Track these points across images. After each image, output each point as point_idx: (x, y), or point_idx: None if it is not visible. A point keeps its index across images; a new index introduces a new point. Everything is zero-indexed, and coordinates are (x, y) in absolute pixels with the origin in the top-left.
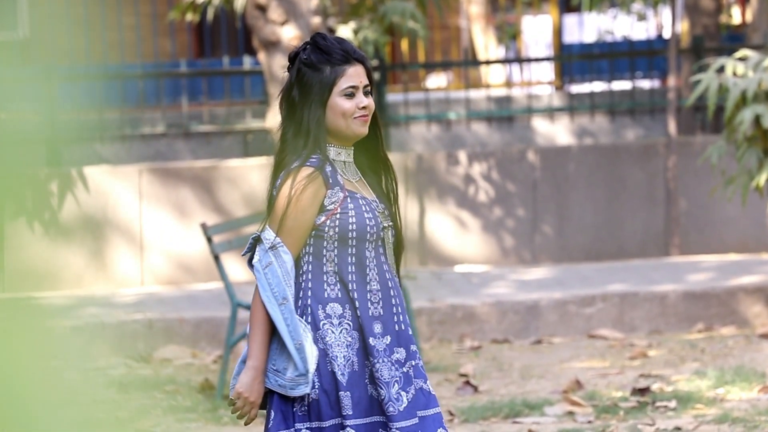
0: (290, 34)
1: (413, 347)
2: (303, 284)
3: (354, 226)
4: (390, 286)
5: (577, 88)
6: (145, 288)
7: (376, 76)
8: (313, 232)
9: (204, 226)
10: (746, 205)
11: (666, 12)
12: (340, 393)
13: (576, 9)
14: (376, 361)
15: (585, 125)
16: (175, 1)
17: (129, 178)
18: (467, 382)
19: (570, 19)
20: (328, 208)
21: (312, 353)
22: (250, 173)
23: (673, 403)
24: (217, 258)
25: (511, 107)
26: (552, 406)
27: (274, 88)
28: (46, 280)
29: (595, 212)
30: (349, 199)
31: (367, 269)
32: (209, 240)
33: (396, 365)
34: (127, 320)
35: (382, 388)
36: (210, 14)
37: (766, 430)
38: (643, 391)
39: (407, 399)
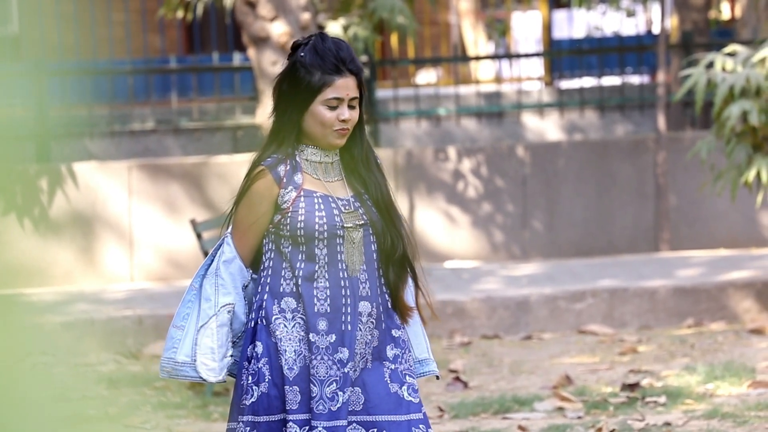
0: (279, 30)
1: (395, 351)
2: (263, 279)
3: (302, 224)
4: (342, 285)
5: (566, 84)
6: (134, 284)
7: (366, 72)
8: (272, 230)
9: (194, 223)
10: (736, 200)
11: (655, 8)
12: (286, 387)
13: (565, 5)
14: (313, 357)
15: (574, 121)
16: None
17: (118, 174)
18: (457, 378)
19: (559, 15)
20: (282, 207)
21: (198, 343)
22: (240, 169)
23: (662, 399)
24: (206, 254)
25: (501, 103)
26: (542, 401)
27: (264, 84)
28: (35, 276)
29: (584, 208)
30: (302, 198)
31: (316, 266)
32: (199, 236)
33: (337, 365)
34: (117, 316)
35: (315, 385)
36: (199, 10)
37: (756, 426)
38: (632, 386)
39: (343, 399)
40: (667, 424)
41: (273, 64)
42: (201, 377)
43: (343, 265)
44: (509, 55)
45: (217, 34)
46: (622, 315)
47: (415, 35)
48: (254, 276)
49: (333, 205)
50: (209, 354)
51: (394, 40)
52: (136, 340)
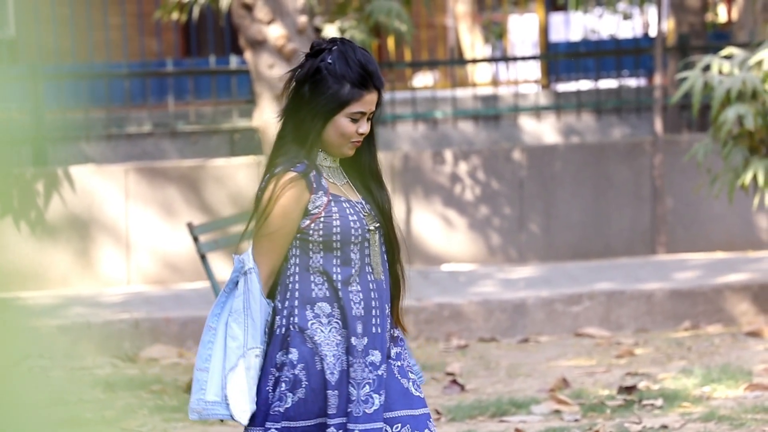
0: (276, 33)
1: (396, 349)
2: (290, 286)
3: (338, 229)
4: (371, 288)
5: (563, 87)
6: (131, 287)
7: None
8: (299, 236)
9: (190, 226)
10: (733, 202)
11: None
12: (328, 392)
13: (562, 8)
14: (354, 360)
15: (571, 124)
16: (161, 0)
17: (115, 178)
18: (454, 381)
19: (556, 18)
20: (312, 212)
21: (228, 385)
22: (237, 172)
23: (659, 402)
24: (203, 257)
25: (498, 106)
26: (539, 404)
27: (261, 87)
28: (32, 280)
29: (581, 211)
30: (333, 202)
31: (353, 270)
32: (196, 239)
33: (370, 367)
34: (114, 320)
35: (353, 388)
36: (196, 13)
37: (753, 428)
38: (629, 389)
39: (379, 402)
40: (664, 427)
41: (270, 67)
42: (233, 417)
43: (370, 268)
44: (506, 58)
45: (214, 37)
46: (618, 318)
47: (411, 38)
48: (273, 305)
49: (358, 208)
50: (241, 396)
51: (390, 43)
52: (133, 343)
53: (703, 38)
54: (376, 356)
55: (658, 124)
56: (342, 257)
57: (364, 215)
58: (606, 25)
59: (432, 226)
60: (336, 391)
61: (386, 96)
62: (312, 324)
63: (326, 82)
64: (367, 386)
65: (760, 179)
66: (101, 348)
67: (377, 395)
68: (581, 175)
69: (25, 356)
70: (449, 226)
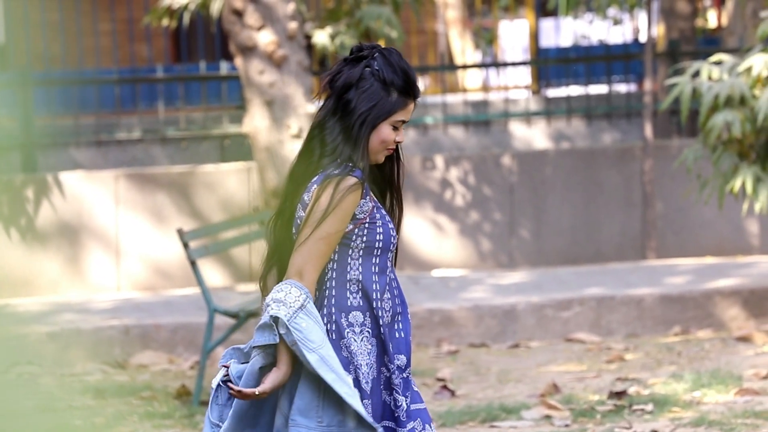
0: (267, 39)
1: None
2: (327, 291)
3: (381, 236)
4: (395, 294)
5: (553, 92)
6: (121, 294)
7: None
8: (340, 240)
9: (180, 232)
10: (722, 208)
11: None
12: (364, 401)
13: (552, 13)
14: (390, 365)
15: (562, 129)
16: (151, 6)
17: (105, 184)
18: (444, 387)
19: (546, 24)
20: (357, 217)
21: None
22: (227, 178)
23: (649, 407)
24: (193, 263)
25: (488, 111)
26: (529, 410)
27: (251, 93)
28: (21, 286)
29: (572, 216)
30: (376, 209)
31: (387, 278)
32: (186, 245)
33: (398, 371)
34: (104, 326)
35: (399, 395)
36: (186, 19)
37: None
38: (620, 394)
39: (406, 404)
40: (654, 431)
41: (260, 73)
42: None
43: (394, 274)
44: (496, 64)
45: (204, 43)
46: (609, 323)
47: (402, 44)
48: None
49: (389, 217)
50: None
51: None
52: (123, 349)
53: (693, 44)
54: (401, 360)
55: (648, 130)
56: (380, 264)
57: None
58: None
59: (422, 232)
60: (370, 401)
61: None
62: (348, 333)
63: (374, 88)
64: (397, 390)
65: (749, 186)
66: (91, 354)
67: (404, 398)
68: (571, 181)
69: (14, 363)
70: (440, 232)
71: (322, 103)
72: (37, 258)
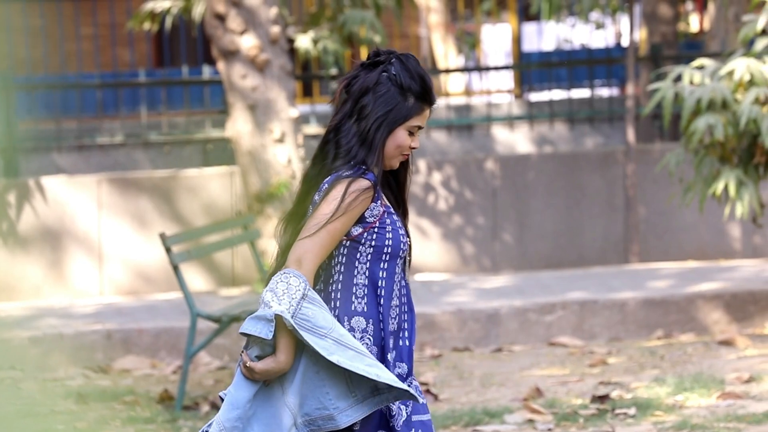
0: (249, 44)
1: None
2: (332, 294)
3: (390, 242)
4: (403, 302)
5: (536, 97)
6: (103, 298)
7: (335, 85)
8: (348, 243)
9: (163, 236)
10: (704, 212)
11: (624, 20)
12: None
13: (535, 18)
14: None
15: (544, 133)
16: (133, 10)
17: (87, 188)
18: (427, 391)
19: (529, 28)
20: (367, 220)
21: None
22: (210, 183)
23: (632, 410)
24: (176, 268)
25: (471, 116)
26: (512, 414)
27: (234, 97)
28: (3, 291)
29: (554, 220)
30: (386, 214)
31: (395, 285)
32: (168, 250)
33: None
34: (86, 331)
35: (393, 404)
36: (168, 23)
37: None
38: (602, 398)
39: (406, 413)
40: None
41: (243, 77)
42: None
43: (404, 282)
44: (479, 68)
45: (187, 48)
46: (591, 327)
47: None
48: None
49: (401, 222)
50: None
51: (364, 53)
52: (105, 354)
53: (675, 48)
54: (402, 368)
55: (631, 134)
56: (388, 270)
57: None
58: (578, 35)
59: None
60: None
61: None
62: None
63: (390, 93)
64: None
65: (731, 190)
66: (73, 359)
67: (404, 407)
68: (554, 185)
69: None
70: (423, 236)
71: (337, 107)
72: (20, 263)
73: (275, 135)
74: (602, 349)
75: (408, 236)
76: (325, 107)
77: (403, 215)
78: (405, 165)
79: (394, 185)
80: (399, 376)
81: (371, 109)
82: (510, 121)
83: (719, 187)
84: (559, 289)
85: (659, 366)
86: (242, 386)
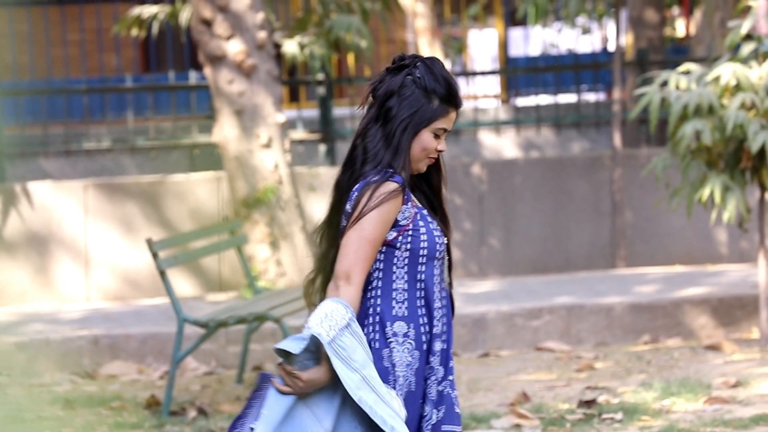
0: (236, 49)
1: (451, 363)
2: (372, 300)
3: (426, 243)
4: (444, 304)
5: (522, 102)
6: (90, 304)
7: (322, 90)
8: (384, 248)
9: (150, 241)
10: (691, 216)
11: (610, 25)
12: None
13: (521, 23)
14: (428, 378)
15: (531, 138)
16: (120, 15)
17: (74, 194)
18: None
19: (515, 33)
20: (400, 223)
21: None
22: (197, 188)
23: (619, 415)
24: (163, 273)
25: (458, 121)
26: (499, 418)
27: (220, 102)
28: None
29: (541, 225)
30: (418, 215)
31: (434, 286)
32: (155, 255)
33: (435, 383)
34: (73, 336)
35: (428, 406)
36: (155, 29)
37: None
38: (589, 403)
39: (436, 417)
40: None
41: (229, 82)
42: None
43: (444, 284)
44: (466, 73)
45: (173, 53)
46: (578, 332)
47: (371, 53)
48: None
49: (436, 223)
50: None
51: (350, 58)
52: (92, 360)
53: (661, 53)
54: (440, 373)
55: (617, 139)
56: (427, 272)
57: (440, 230)
58: (565, 40)
59: None
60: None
61: (346, 111)
62: (391, 342)
63: (415, 96)
64: (431, 403)
65: (717, 195)
66: (60, 365)
67: (436, 411)
68: (541, 190)
69: None
70: None
71: (365, 112)
72: (6, 268)
73: (262, 140)
74: (589, 353)
75: (445, 236)
76: (311, 112)
77: (443, 220)
78: (438, 169)
79: (427, 190)
80: (436, 380)
81: (396, 112)
82: (497, 126)
83: (705, 192)
84: (546, 294)
85: (646, 371)
86: (277, 402)
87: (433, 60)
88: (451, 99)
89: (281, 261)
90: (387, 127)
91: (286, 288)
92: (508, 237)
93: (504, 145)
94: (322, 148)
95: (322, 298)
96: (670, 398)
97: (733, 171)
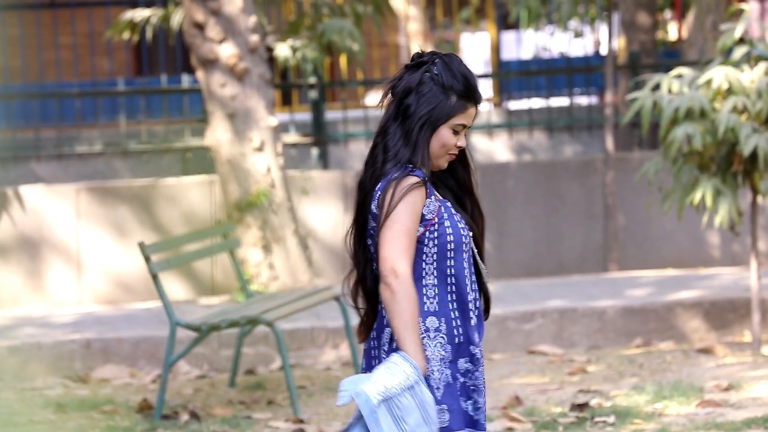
0: (228, 52)
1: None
2: None
3: (451, 235)
4: (475, 297)
5: (515, 105)
6: (82, 307)
7: (315, 94)
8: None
9: (142, 245)
10: (683, 220)
11: (603, 28)
12: (436, 407)
13: (514, 26)
14: (475, 369)
15: (523, 142)
16: (112, 19)
17: (66, 197)
18: None
19: (508, 36)
20: (426, 218)
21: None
22: (189, 191)
23: (611, 419)
24: (155, 277)
25: None
26: (491, 422)
27: (213, 105)
28: None
29: (534, 228)
30: (442, 208)
31: (466, 279)
32: (147, 259)
33: (462, 376)
34: (65, 340)
35: (480, 396)
36: (148, 32)
37: None
38: (582, 406)
39: (483, 402)
40: None
41: (222, 86)
42: None
43: (474, 276)
44: None
45: (166, 57)
46: (571, 335)
47: (364, 57)
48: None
49: (460, 215)
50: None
51: (343, 61)
52: (84, 363)
53: (653, 56)
54: (465, 365)
55: (610, 142)
56: (456, 266)
57: (464, 222)
58: (557, 44)
59: None
60: (444, 405)
61: (338, 115)
62: (423, 338)
63: (433, 92)
64: (480, 392)
65: (708, 199)
66: (52, 368)
67: (481, 400)
68: (533, 193)
69: None
70: None
71: (384, 110)
72: None
73: (254, 144)
74: (581, 357)
75: (477, 227)
76: (304, 116)
77: (474, 211)
78: (465, 164)
79: (454, 186)
80: (462, 372)
81: (414, 109)
82: (489, 129)
83: (697, 195)
84: (538, 297)
85: (638, 374)
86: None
87: (451, 56)
88: (470, 95)
89: (274, 264)
90: (406, 124)
91: (278, 291)
92: (500, 240)
93: (496, 148)
94: (315, 151)
95: (356, 297)
96: (662, 401)
97: (725, 174)
